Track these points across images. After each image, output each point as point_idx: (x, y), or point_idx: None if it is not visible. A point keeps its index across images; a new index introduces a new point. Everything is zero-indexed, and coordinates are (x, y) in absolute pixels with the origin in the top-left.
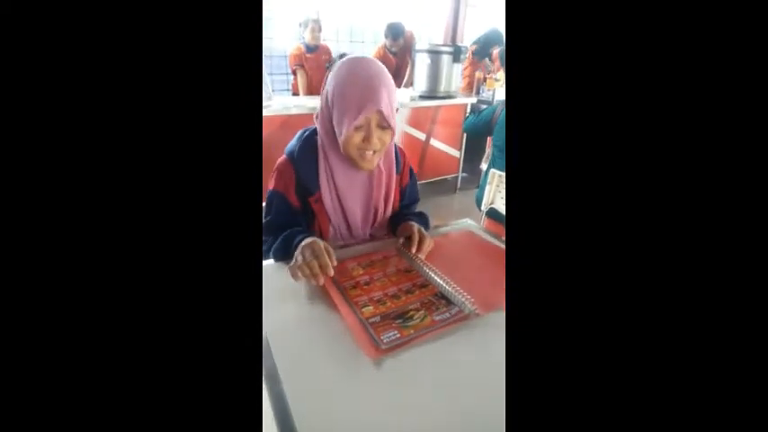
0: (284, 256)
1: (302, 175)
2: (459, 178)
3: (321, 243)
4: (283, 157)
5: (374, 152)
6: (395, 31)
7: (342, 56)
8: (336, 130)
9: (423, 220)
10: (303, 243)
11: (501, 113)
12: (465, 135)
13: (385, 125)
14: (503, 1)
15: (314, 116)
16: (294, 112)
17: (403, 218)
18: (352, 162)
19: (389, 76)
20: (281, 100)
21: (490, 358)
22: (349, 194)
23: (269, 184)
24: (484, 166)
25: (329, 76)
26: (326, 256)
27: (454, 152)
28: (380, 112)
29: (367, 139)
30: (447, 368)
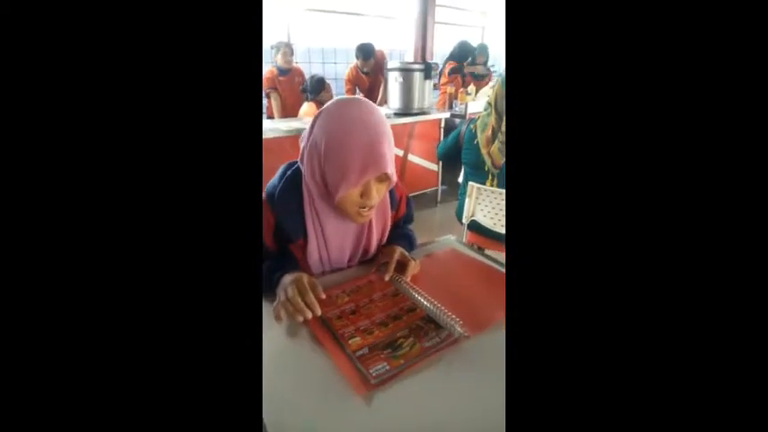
0: (263, 289)
1: (283, 221)
2: (439, 191)
3: (305, 278)
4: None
5: (371, 208)
6: (365, 52)
7: (314, 78)
8: (331, 187)
9: (408, 241)
10: (285, 279)
11: (466, 132)
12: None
13: (383, 178)
14: (469, 16)
15: (299, 157)
16: (270, 135)
17: (389, 239)
18: (346, 216)
19: (387, 124)
20: None
21: (484, 382)
22: (339, 243)
23: None
24: (461, 179)
25: (318, 124)
26: (311, 294)
27: (432, 166)
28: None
29: (366, 194)
30: (441, 397)
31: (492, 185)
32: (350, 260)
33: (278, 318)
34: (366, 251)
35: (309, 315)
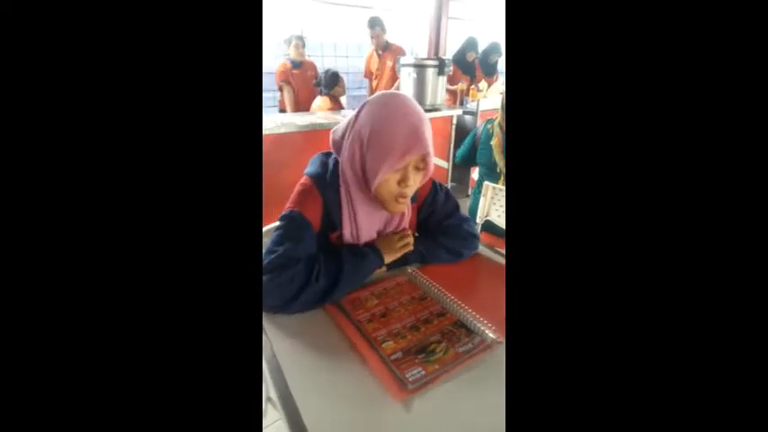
0: (360, 279)
1: (329, 204)
2: (449, 188)
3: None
4: (307, 179)
5: (406, 196)
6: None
7: (328, 72)
8: (369, 172)
9: (421, 256)
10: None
11: (483, 131)
12: (454, 161)
13: (421, 167)
14: (484, 12)
15: (333, 148)
16: (284, 130)
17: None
18: (380, 204)
19: (426, 115)
20: (270, 118)
21: None
22: (368, 234)
23: (289, 204)
24: (475, 177)
25: (363, 113)
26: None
27: (442, 163)
28: (419, 157)
29: (404, 181)
30: (477, 403)
31: (504, 185)
32: None
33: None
34: None
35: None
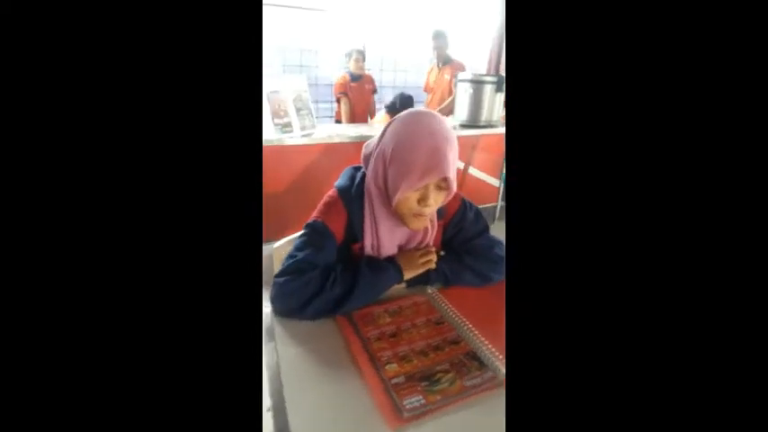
0: (376, 292)
1: (353, 217)
2: (499, 207)
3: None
4: (334, 191)
5: (425, 215)
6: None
7: (404, 96)
8: (390, 189)
9: (445, 276)
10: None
11: None
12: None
13: (443, 186)
14: None
15: (363, 162)
16: (337, 140)
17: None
18: (400, 220)
19: (454, 136)
20: (325, 128)
21: None
22: (389, 248)
23: (314, 214)
24: None
25: (389, 130)
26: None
27: (494, 181)
28: (440, 178)
29: (424, 200)
30: None
31: None
32: None
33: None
34: None
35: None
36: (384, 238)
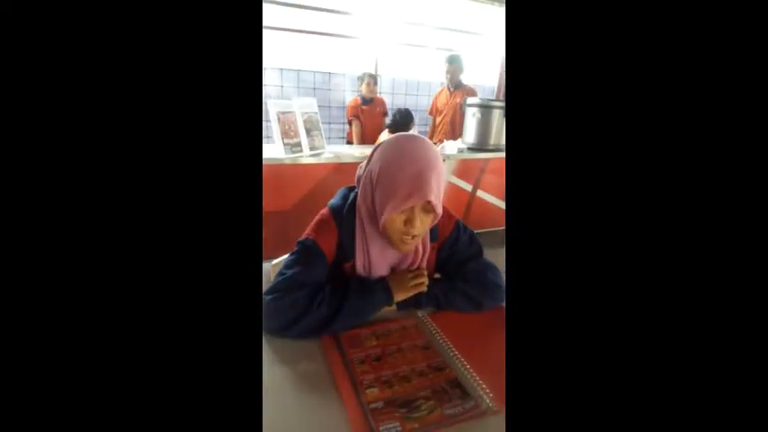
0: (364, 314)
1: (345, 237)
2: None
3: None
4: (327, 210)
5: (414, 237)
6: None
7: (402, 110)
8: (377, 210)
9: (436, 300)
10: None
11: None
12: None
13: (429, 210)
14: None
15: (355, 180)
16: (345, 160)
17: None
18: (390, 243)
19: (440, 160)
20: (334, 148)
21: None
22: (380, 268)
23: (306, 231)
24: None
25: (376, 154)
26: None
27: (502, 204)
28: (426, 201)
29: (410, 222)
30: None
31: None
32: None
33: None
34: None
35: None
36: (375, 257)
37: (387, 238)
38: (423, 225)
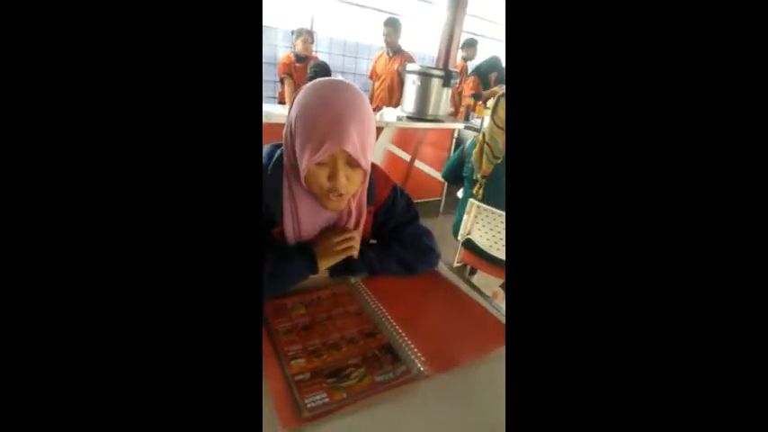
0: (285, 283)
1: (268, 201)
2: (443, 202)
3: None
4: None
5: (341, 195)
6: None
7: (317, 66)
8: (298, 161)
9: (370, 266)
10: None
11: (469, 147)
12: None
13: (354, 164)
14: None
15: (282, 136)
16: (274, 121)
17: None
18: (316, 201)
19: (365, 110)
20: (266, 108)
21: (435, 429)
22: (311, 230)
23: None
24: (460, 194)
25: (295, 101)
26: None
27: (438, 175)
28: (346, 152)
29: (333, 177)
30: None
31: (478, 193)
32: None
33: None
34: None
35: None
36: (305, 219)
37: (313, 194)
38: (349, 182)
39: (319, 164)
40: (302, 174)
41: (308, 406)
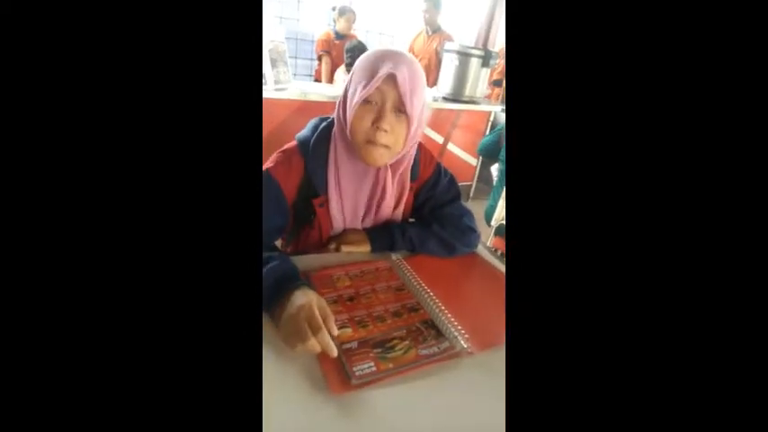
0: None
1: (311, 171)
2: (474, 186)
3: (316, 306)
4: (293, 144)
5: (384, 146)
6: None
7: (354, 48)
8: (348, 111)
9: (408, 241)
10: (296, 299)
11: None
12: (477, 151)
13: (402, 109)
14: None
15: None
16: (312, 98)
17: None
18: (359, 155)
19: (417, 66)
20: (301, 84)
21: (480, 406)
22: (353, 201)
23: (266, 164)
24: (495, 180)
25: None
26: (325, 332)
27: (471, 159)
28: (396, 88)
29: (378, 118)
30: (427, 415)
31: None
32: (363, 222)
33: (293, 347)
34: (378, 214)
35: (318, 350)
36: (347, 188)
37: (355, 147)
38: (393, 133)
39: (367, 102)
40: (350, 118)
41: (357, 374)
